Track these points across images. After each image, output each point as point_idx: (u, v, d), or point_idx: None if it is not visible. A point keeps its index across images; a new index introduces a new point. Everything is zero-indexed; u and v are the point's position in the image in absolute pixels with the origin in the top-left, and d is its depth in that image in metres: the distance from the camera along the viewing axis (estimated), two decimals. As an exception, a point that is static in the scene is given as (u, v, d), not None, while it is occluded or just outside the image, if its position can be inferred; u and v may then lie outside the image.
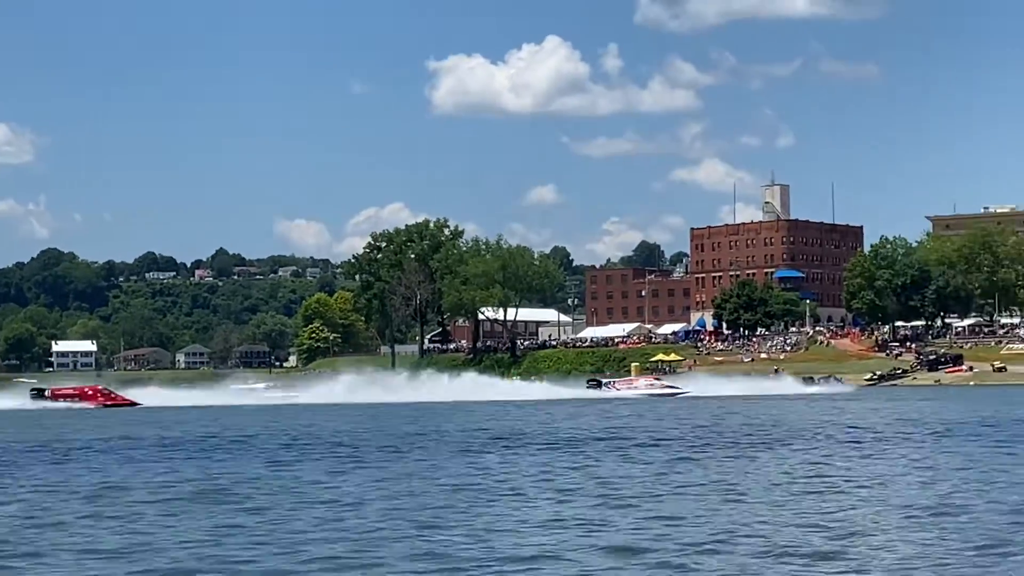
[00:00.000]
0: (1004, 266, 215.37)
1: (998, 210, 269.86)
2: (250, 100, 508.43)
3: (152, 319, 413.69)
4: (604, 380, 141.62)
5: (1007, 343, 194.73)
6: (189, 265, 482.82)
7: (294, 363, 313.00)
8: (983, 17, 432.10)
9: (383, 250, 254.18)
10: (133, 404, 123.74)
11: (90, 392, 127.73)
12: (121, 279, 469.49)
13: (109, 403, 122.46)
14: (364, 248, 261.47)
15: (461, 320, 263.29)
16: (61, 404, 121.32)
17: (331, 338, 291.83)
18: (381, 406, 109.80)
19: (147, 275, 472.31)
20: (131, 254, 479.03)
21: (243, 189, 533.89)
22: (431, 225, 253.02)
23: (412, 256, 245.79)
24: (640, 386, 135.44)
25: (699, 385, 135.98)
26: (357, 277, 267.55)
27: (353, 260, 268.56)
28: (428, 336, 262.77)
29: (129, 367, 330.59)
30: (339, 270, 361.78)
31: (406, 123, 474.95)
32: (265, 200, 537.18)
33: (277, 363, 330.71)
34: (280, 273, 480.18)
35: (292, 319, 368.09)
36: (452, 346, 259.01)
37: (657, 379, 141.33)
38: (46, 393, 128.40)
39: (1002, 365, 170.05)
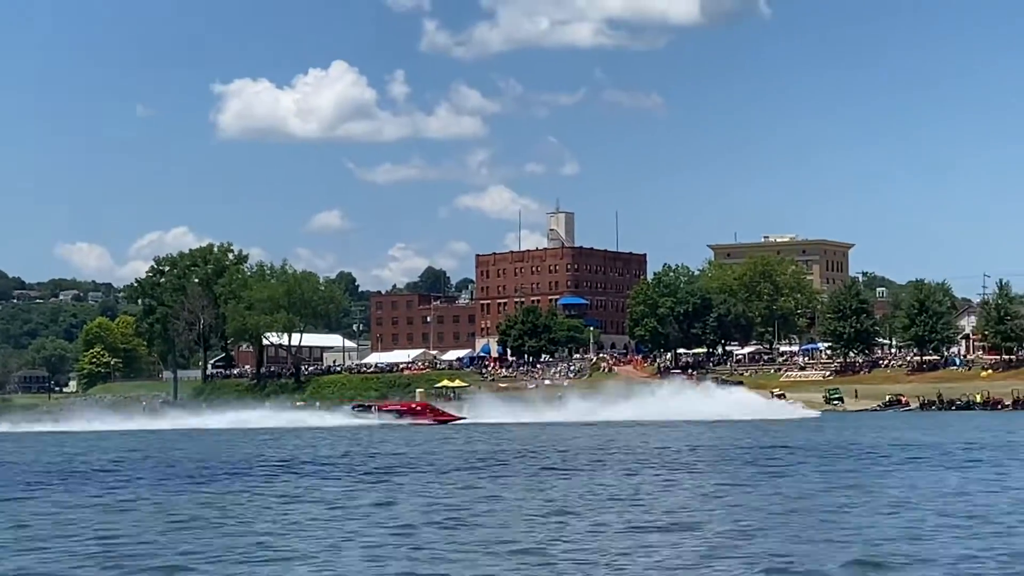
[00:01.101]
0: (783, 295, 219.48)
1: (777, 239, 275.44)
2: (31, 120, 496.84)
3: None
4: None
5: (786, 370, 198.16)
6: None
7: (74, 388, 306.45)
8: (764, 49, 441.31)
9: (166, 274, 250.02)
10: (458, 419, 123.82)
11: (418, 408, 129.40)
12: None
13: (440, 419, 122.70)
14: (147, 272, 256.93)
15: (245, 345, 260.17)
16: (387, 419, 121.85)
17: (112, 363, 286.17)
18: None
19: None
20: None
21: (22, 211, 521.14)
22: (215, 249, 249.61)
23: (196, 280, 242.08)
24: None
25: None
26: (140, 301, 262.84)
27: (136, 284, 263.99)
28: (211, 361, 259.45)
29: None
30: (121, 294, 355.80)
31: (191, 147, 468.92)
32: (46, 223, 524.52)
33: (57, 388, 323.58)
34: (61, 297, 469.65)
35: (73, 344, 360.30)
36: (236, 371, 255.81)
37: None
38: (372, 409, 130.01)
39: (781, 392, 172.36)
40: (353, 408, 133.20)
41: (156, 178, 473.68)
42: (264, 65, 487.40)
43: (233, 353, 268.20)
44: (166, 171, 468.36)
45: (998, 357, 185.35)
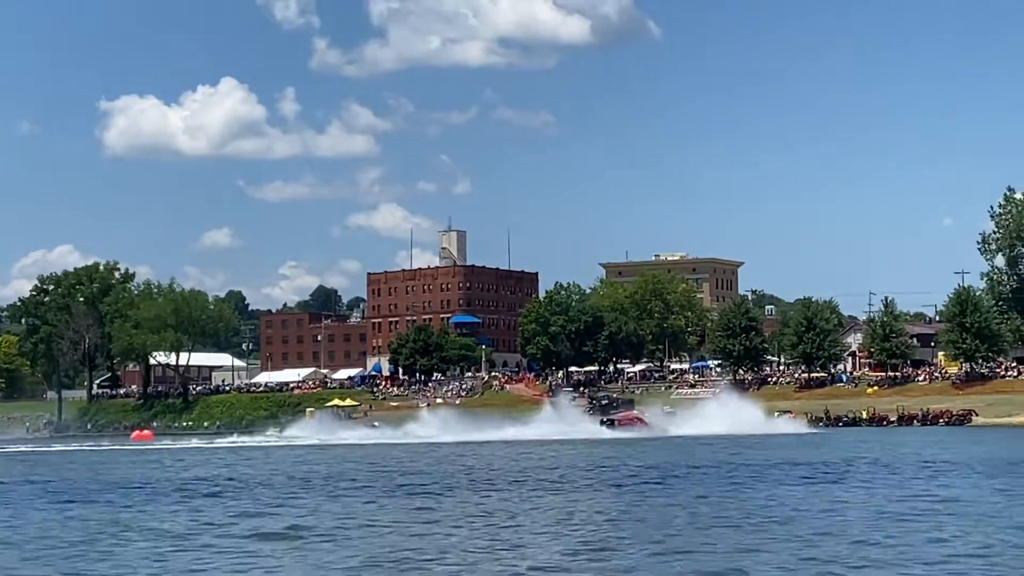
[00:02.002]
0: (674, 313, 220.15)
1: (668, 258, 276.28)
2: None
3: None
4: None
5: (676, 388, 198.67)
6: None
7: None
8: (653, 69, 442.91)
9: (51, 293, 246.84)
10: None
11: (635, 420, 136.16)
12: None
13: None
14: (31, 291, 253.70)
15: (131, 365, 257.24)
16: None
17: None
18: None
19: None
20: None
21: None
22: (101, 268, 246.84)
23: (81, 299, 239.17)
24: None
25: None
26: (23, 320, 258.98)
27: (19, 303, 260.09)
28: (97, 381, 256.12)
29: None
30: (4, 313, 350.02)
31: (76, 164, 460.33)
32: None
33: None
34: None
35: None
36: (122, 391, 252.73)
37: None
38: (615, 421, 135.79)
39: (672, 410, 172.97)
40: (601, 422, 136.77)
41: (40, 196, 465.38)
42: (151, 81, 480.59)
43: (119, 373, 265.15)
44: (51, 189, 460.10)
45: (883, 374, 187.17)
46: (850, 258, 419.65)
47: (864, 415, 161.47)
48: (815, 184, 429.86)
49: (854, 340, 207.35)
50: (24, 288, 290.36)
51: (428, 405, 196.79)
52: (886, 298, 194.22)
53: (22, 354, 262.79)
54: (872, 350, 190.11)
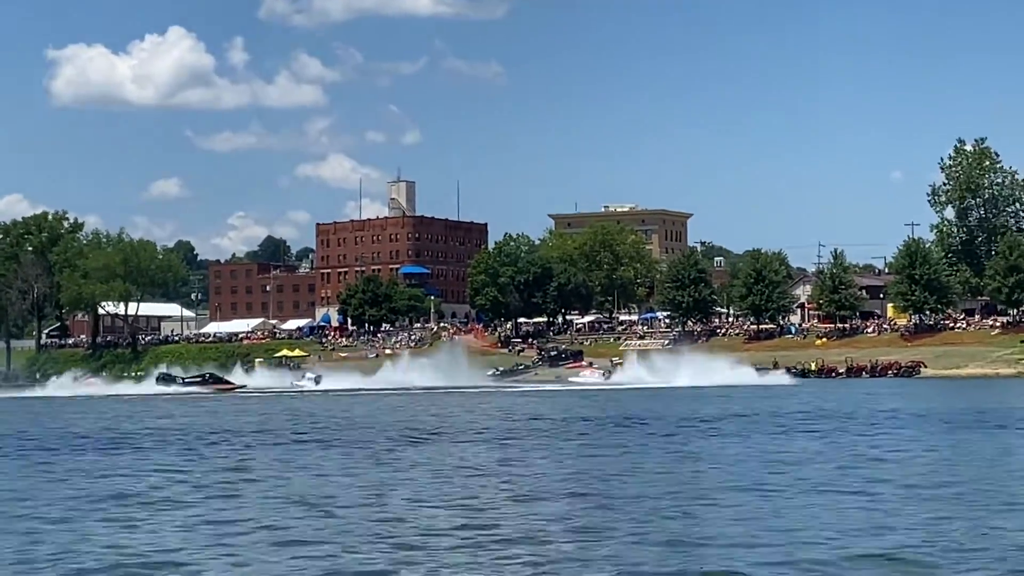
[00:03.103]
0: (623, 264, 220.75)
1: (618, 209, 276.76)
2: None
3: None
4: None
5: (625, 339, 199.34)
6: None
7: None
8: (605, 20, 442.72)
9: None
10: None
11: None
12: None
13: None
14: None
15: (80, 315, 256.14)
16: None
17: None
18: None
19: None
20: None
21: None
22: (50, 217, 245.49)
23: (29, 249, 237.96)
24: None
25: None
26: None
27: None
28: (46, 331, 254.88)
29: None
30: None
31: (23, 113, 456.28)
32: None
33: None
34: None
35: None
36: (71, 341, 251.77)
37: None
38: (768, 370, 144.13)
39: (620, 361, 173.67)
40: (757, 369, 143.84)
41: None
42: (99, 30, 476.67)
43: (68, 322, 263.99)
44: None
45: (832, 326, 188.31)
46: (799, 210, 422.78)
47: (813, 367, 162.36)
48: (764, 136, 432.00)
49: (803, 292, 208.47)
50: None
51: (377, 355, 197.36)
52: (835, 250, 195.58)
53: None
54: (821, 302, 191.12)
